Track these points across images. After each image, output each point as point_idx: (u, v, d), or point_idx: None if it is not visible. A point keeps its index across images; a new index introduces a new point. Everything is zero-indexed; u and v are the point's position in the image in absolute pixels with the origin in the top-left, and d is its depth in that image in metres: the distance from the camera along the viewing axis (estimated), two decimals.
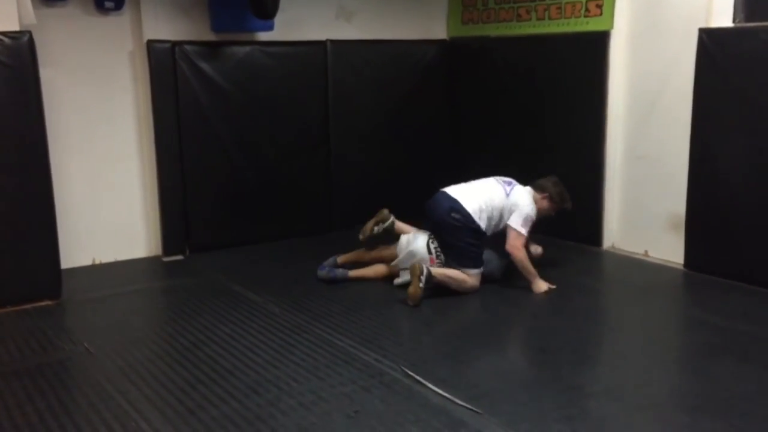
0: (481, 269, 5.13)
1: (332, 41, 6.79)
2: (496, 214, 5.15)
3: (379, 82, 7.13)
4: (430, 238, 5.21)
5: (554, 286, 5.14)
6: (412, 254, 5.19)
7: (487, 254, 5.20)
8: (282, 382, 3.77)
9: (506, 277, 5.32)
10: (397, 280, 5.24)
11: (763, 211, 5.09)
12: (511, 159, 6.90)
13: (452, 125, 7.59)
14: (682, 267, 5.66)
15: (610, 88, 6.05)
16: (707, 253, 5.48)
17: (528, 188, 5.33)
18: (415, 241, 5.23)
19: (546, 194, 5.33)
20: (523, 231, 5.11)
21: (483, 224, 5.09)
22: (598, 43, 6.04)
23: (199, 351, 4.21)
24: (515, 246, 5.09)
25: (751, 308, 4.81)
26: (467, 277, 5.05)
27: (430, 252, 5.17)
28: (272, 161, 6.65)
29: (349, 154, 7.04)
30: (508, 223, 5.13)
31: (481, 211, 5.09)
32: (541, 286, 5.11)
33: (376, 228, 5.44)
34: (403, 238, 5.32)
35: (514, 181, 5.36)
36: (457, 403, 3.48)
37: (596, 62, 6.07)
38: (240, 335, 4.45)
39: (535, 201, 5.26)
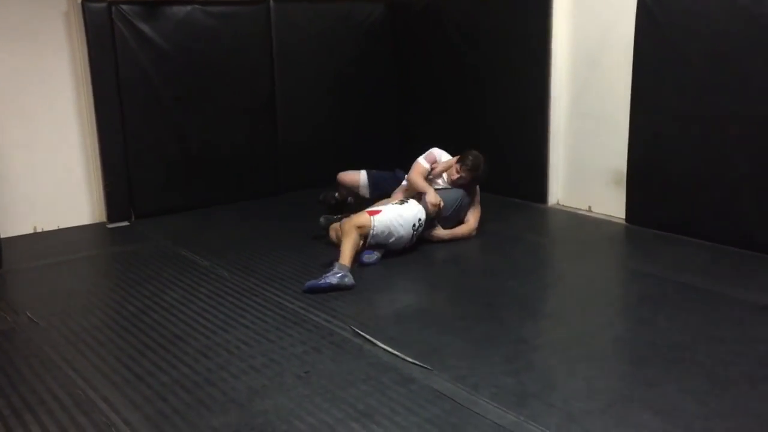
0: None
1: (275, 0, 6.66)
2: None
3: (325, 43, 7.05)
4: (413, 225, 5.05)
5: (438, 202, 5.20)
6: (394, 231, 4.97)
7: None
8: (232, 345, 3.77)
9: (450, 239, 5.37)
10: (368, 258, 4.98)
11: (700, 165, 5.22)
12: (456, 118, 6.95)
13: (398, 86, 7.57)
14: (623, 221, 5.80)
15: (553, 46, 6.09)
16: (647, 207, 5.62)
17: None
18: (401, 226, 4.98)
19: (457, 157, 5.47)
20: (424, 163, 5.41)
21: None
22: None
23: (147, 317, 4.17)
24: (411, 173, 5.40)
25: (689, 259, 4.96)
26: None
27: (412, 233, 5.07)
28: (217, 124, 6.54)
29: (296, 116, 6.97)
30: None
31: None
32: (432, 195, 5.20)
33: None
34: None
35: None
36: (407, 360, 3.53)
37: (540, 19, 6.09)
38: (189, 300, 4.41)
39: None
